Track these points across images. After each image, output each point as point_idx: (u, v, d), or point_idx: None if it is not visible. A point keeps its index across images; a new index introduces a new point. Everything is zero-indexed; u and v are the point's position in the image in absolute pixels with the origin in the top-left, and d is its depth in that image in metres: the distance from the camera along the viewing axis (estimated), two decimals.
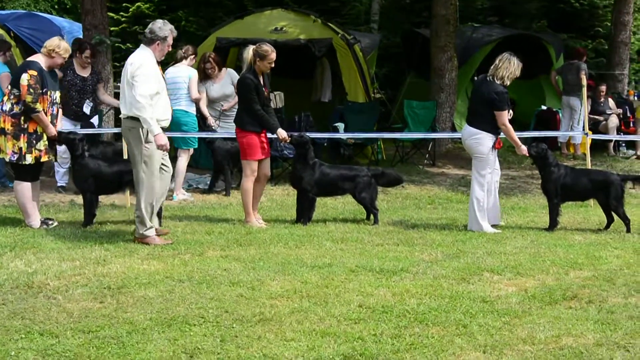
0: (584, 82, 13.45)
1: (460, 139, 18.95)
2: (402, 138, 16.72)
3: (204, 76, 13.59)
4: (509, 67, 10.71)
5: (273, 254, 9.07)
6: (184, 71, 13.10)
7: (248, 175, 10.89)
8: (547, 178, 10.82)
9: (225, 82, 13.68)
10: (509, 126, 10.59)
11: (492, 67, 10.80)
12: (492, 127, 10.65)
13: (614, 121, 18.62)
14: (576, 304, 7.23)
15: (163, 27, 9.63)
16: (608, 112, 18.78)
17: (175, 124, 12.65)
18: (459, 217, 11.68)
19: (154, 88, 9.50)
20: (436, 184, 15.09)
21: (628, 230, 10.62)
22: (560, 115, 18.86)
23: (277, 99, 15.88)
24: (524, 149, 10.65)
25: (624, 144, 18.70)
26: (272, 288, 7.57)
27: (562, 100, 18.59)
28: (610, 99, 19.21)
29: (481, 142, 10.67)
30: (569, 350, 5.97)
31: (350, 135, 15.23)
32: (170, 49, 9.85)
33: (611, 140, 18.20)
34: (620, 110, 19.33)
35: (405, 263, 8.61)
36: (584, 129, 13.60)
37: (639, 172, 16.12)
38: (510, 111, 10.70)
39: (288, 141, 10.94)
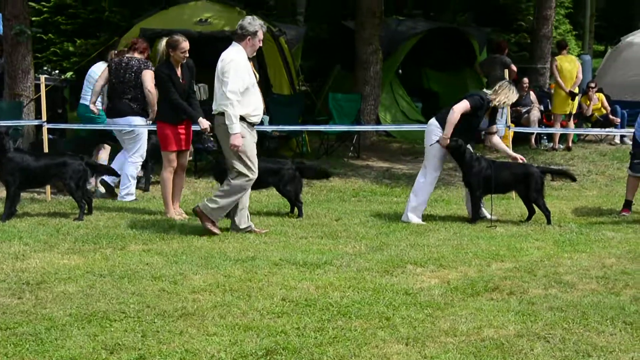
0: (507, 75, 13.59)
1: (385, 131, 19.23)
2: (327, 130, 16.74)
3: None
4: (508, 94, 10.85)
5: (196, 247, 9.00)
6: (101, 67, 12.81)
7: (166, 166, 10.88)
8: (468, 171, 10.92)
9: None
10: (456, 116, 10.66)
11: (491, 92, 10.94)
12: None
13: (535, 114, 18.87)
14: (497, 295, 7.30)
15: (253, 22, 9.61)
16: (530, 105, 19.03)
17: (86, 119, 12.59)
18: (383, 210, 11.73)
19: (245, 84, 9.46)
20: (360, 176, 15.14)
21: (548, 222, 10.77)
22: None
23: (201, 91, 15.74)
24: (446, 141, 10.72)
25: (545, 137, 18.96)
26: (194, 282, 7.50)
27: None
28: (532, 92, 19.46)
29: (429, 133, 10.90)
30: (490, 341, 6.02)
31: (275, 127, 15.19)
32: (261, 44, 9.77)
33: (533, 133, 18.43)
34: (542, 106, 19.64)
35: (329, 256, 8.60)
36: (506, 122, 13.74)
37: (559, 165, 16.40)
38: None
39: (209, 131, 10.89)
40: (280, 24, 19.61)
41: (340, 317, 6.55)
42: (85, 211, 10.71)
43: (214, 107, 9.67)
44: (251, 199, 12.00)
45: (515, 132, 15.57)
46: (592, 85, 20.36)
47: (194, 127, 11.05)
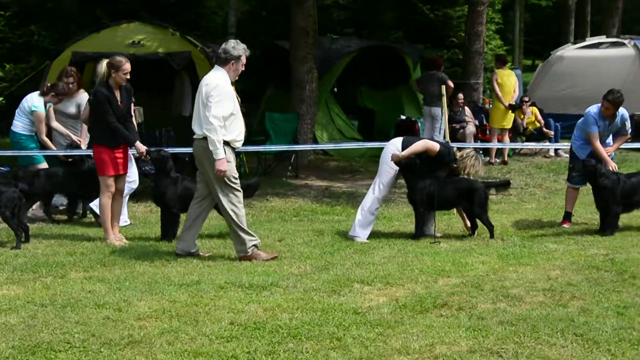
0: (444, 91, 13.67)
1: (322, 150, 19.21)
2: (264, 150, 16.65)
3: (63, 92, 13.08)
4: (474, 163, 11.06)
5: (139, 273, 8.84)
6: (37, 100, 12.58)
7: (104, 191, 10.68)
8: (413, 188, 10.92)
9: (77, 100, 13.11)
10: (419, 145, 10.80)
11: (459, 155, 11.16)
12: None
13: (471, 129, 19.04)
14: (447, 311, 7.29)
15: (237, 47, 9.54)
16: (465, 120, 19.18)
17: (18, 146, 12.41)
18: (326, 229, 11.67)
19: (229, 110, 9.37)
20: (300, 196, 15.07)
21: (492, 236, 10.81)
22: (420, 124, 19.17)
23: (136, 114, 15.55)
24: (396, 156, 10.73)
25: (481, 152, 19.09)
26: (139, 309, 7.35)
27: (423, 110, 18.94)
28: (466, 108, 19.62)
29: (389, 152, 10.98)
30: (443, 358, 5.99)
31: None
32: (244, 69, 9.67)
33: None
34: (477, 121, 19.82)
35: (274, 277, 8.51)
36: (444, 138, 13.80)
37: (497, 179, 16.49)
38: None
39: (145, 155, 10.74)
40: (214, 45, 19.51)
41: (291, 340, 6.47)
42: (23, 239, 10.46)
43: (196, 130, 9.53)
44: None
45: None
46: (526, 99, 20.58)
47: (131, 152, 10.89)
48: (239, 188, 9.66)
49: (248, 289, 8.07)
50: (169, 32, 17.07)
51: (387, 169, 10.95)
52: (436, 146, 10.86)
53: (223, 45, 9.61)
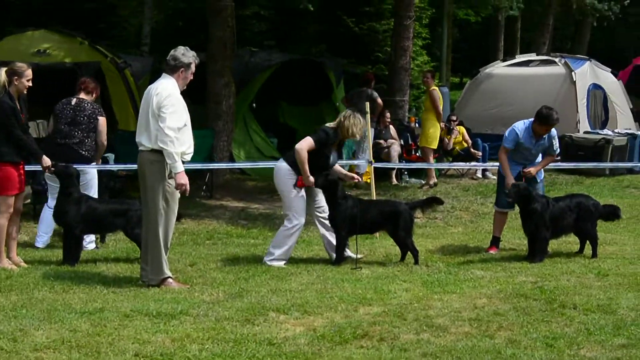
0: (367, 108, 13.67)
1: (239, 169, 19.08)
2: None
3: None
4: (354, 122, 10.89)
5: (37, 299, 8.62)
6: None
7: (3, 212, 10.34)
8: (334, 209, 10.85)
9: None
10: (304, 154, 10.58)
11: (334, 124, 11.02)
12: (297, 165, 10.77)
13: (396, 149, 19.08)
14: (367, 342, 7.23)
15: (187, 54, 9.45)
16: (390, 139, 19.22)
17: None
18: (241, 253, 11.57)
19: (183, 120, 9.26)
20: (215, 217, 14.91)
21: (416, 262, 10.79)
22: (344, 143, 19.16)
23: (40, 128, 15.30)
24: (311, 179, 10.63)
25: (406, 172, 19.17)
26: (36, 339, 7.16)
27: None
28: (391, 126, 19.66)
29: (281, 177, 10.93)
30: None
31: (121, 166, 14.81)
32: (192, 77, 9.53)
33: (393, 169, 18.59)
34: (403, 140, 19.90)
35: (184, 305, 8.37)
36: (368, 158, 13.81)
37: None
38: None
39: (53, 170, 10.52)
40: (126, 56, 19.31)
41: None
42: None
43: (143, 142, 9.39)
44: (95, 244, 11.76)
45: (375, 168, 15.66)
46: (453, 118, 20.74)
47: (31, 167, 10.63)
48: (175, 212, 9.59)
49: (155, 317, 7.93)
50: (78, 41, 16.90)
51: (292, 197, 10.83)
52: (310, 140, 10.74)
53: (172, 52, 9.51)
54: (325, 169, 10.90)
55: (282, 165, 10.93)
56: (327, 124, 11.25)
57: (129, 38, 26.45)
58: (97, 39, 19.19)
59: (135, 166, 14.18)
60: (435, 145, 18.76)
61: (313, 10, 23.32)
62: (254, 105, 21.63)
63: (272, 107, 22.84)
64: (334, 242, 10.93)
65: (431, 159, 18.65)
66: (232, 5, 17.94)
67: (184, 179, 9.28)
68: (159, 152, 9.27)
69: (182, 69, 9.42)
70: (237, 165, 18.51)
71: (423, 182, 18.67)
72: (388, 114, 19.57)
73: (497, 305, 8.47)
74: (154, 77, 21.48)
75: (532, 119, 11.44)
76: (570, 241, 11.82)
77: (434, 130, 18.58)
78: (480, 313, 8.16)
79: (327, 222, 11.02)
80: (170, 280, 9.48)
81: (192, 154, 9.64)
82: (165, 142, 9.15)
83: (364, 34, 25.45)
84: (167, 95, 9.23)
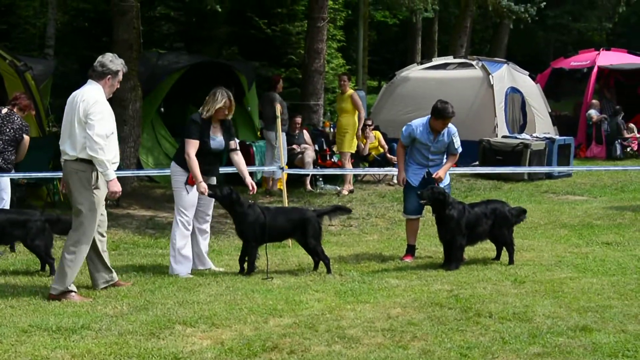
0: (278, 112, 13.66)
1: (146, 176, 18.90)
2: None
3: None
4: (212, 101, 10.68)
5: None
6: None
7: None
8: (241, 220, 10.80)
9: None
10: (192, 157, 10.50)
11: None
12: (183, 161, 10.65)
13: (310, 154, 19.08)
14: (277, 355, 7.22)
15: (115, 61, 9.45)
16: (304, 145, 19.23)
17: None
18: (147, 264, 11.46)
19: (110, 128, 9.28)
20: (121, 226, 14.75)
21: (329, 271, 10.79)
22: (255, 149, 19.16)
23: None
24: (203, 186, 10.52)
25: (321, 178, 19.19)
26: None
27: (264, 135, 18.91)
28: (305, 131, 19.67)
29: (173, 175, 10.81)
30: None
31: (21, 175, 14.56)
32: (119, 85, 9.57)
33: (308, 175, 18.60)
34: (317, 145, 19.90)
35: (86, 319, 8.27)
36: (279, 164, 13.79)
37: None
38: None
39: None
40: (26, 58, 19.00)
41: None
42: None
43: (68, 151, 9.37)
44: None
45: (289, 174, 15.67)
46: (369, 122, 20.83)
47: None
48: (95, 225, 9.54)
49: (55, 332, 7.82)
50: None
51: (185, 198, 10.80)
52: (191, 142, 10.54)
53: (99, 59, 9.52)
54: (211, 154, 10.79)
55: (172, 165, 10.92)
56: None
57: (31, 40, 26.05)
58: None
59: (36, 174, 14.17)
60: (354, 150, 18.79)
61: (223, 11, 23.24)
62: (162, 109, 21.42)
63: (181, 111, 22.66)
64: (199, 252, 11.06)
65: (349, 164, 18.65)
66: (138, 6, 17.77)
67: (117, 187, 9.35)
68: (84, 161, 9.29)
69: (109, 75, 9.46)
70: (145, 172, 18.35)
71: (339, 188, 18.72)
72: (299, 119, 19.53)
73: (412, 315, 8.52)
74: (57, 80, 21.35)
75: (427, 117, 11.58)
76: (487, 248, 11.94)
77: (353, 134, 18.58)
78: (394, 323, 8.19)
79: (202, 228, 11.08)
80: (73, 294, 9.35)
81: (118, 163, 9.64)
82: (95, 149, 9.16)
83: (276, 36, 25.42)
84: (94, 102, 9.24)
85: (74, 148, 9.32)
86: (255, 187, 11.01)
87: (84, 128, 9.21)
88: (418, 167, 11.71)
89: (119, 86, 9.70)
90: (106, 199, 9.71)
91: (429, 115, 11.56)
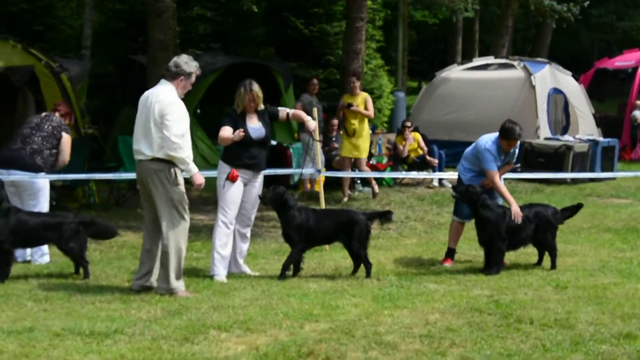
0: (315, 114, 13.63)
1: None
2: (117, 179, 16.28)
3: None
4: (239, 94, 10.89)
5: None
6: None
7: None
8: (287, 223, 10.81)
9: None
10: (221, 138, 10.75)
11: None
12: (228, 156, 10.86)
13: None
14: None
15: (190, 63, 9.74)
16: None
17: None
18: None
19: (186, 127, 9.60)
20: None
21: (368, 276, 10.75)
22: (292, 151, 19.16)
23: None
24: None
25: (359, 181, 19.12)
26: None
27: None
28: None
29: (218, 174, 11.00)
30: None
31: (57, 176, 14.64)
32: (192, 88, 9.86)
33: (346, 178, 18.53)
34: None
35: (119, 323, 8.28)
36: (316, 167, 13.77)
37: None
38: None
39: None
40: (62, 59, 19.11)
41: None
42: None
43: (144, 151, 9.62)
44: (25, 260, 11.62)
45: (327, 177, 15.65)
46: (408, 124, 20.75)
47: None
48: (187, 219, 9.85)
49: (88, 337, 7.83)
50: (10, 44, 16.69)
51: (220, 189, 11.02)
52: (222, 127, 10.83)
53: (174, 59, 9.81)
54: (253, 145, 10.85)
55: (219, 164, 11.11)
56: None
57: (67, 41, 26.16)
58: (31, 41, 18.97)
59: (71, 175, 14.23)
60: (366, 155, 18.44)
61: (259, 11, 23.22)
62: (199, 111, 21.50)
63: (218, 112, 22.69)
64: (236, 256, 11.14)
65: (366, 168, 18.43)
66: (174, 7, 17.80)
67: (201, 179, 9.75)
68: (161, 161, 9.56)
69: (182, 77, 9.71)
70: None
71: (377, 191, 18.66)
72: (336, 121, 19.41)
73: (450, 321, 8.46)
74: (93, 82, 21.45)
75: (496, 134, 11.39)
76: (529, 252, 11.84)
77: (368, 138, 18.34)
78: (432, 329, 8.14)
79: (243, 232, 11.15)
80: (180, 292, 9.72)
81: (192, 158, 9.84)
82: (174, 149, 9.46)
83: (314, 37, 25.32)
84: (169, 102, 9.51)
85: (151, 148, 9.57)
86: (312, 124, 11.33)
87: (160, 129, 9.47)
88: (477, 175, 11.57)
89: (191, 88, 9.89)
90: None
91: (495, 135, 11.38)
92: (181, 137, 9.49)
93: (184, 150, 9.52)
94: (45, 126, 12.08)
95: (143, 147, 9.65)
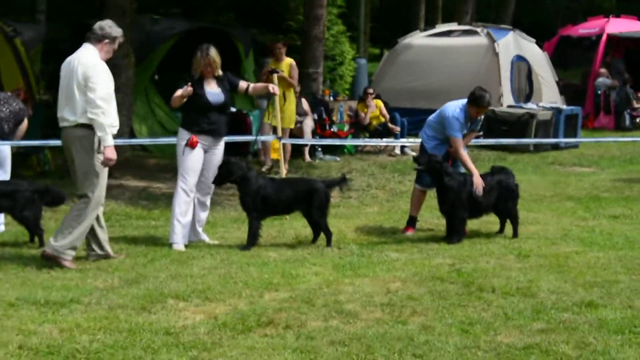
0: (275, 80, 13.56)
1: (140, 145, 18.83)
2: None
3: None
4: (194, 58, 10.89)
5: None
6: None
7: None
8: (245, 191, 10.76)
9: None
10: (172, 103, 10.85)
11: None
12: (187, 122, 10.85)
13: (309, 124, 18.98)
14: (272, 330, 7.19)
15: (114, 27, 9.57)
16: (302, 114, 19.10)
17: None
18: (140, 235, 11.44)
19: (111, 90, 9.45)
20: (113, 197, 14.64)
21: (328, 244, 10.75)
22: (252, 117, 19.09)
23: None
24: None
25: (319, 149, 19.09)
26: None
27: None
28: (304, 100, 19.54)
29: (177, 140, 10.91)
30: None
31: (11, 143, 14.52)
32: (113, 54, 9.66)
33: (306, 145, 18.51)
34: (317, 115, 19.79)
35: (75, 293, 8.26)
36: (275, 133, 13.71)
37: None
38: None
39: None
40: (16, 24, 18.91)
41: None
42: None
43: (67, 116, 9.43)
44: None
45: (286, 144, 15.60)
46: (370, 91, 20.76)
47: None
48: (104, 190, 9.72)
49: (43, 306, 7.81)
50: None
51: (179, 156, 10.92)
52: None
53: (99, 22, 9.65)
54: (212, 110, 10.79)
55: (179, 130, 11.01)
56: None
57: (21, 4, 25.91)
58: None
59: (25, 142, 14.11)
60: (293, 126, 17.94)
61: None
62: (157, 77, 21.34)
63: (176, 79, 22.54)
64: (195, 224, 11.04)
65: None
66: None
67: (113, 154, 9.41)
68: (86, 127, 9.36)
69: (107, 40, 9.55)
70: (138, 141, 18.27)
71: (338, 159, 18.67)
72: (298, 87, 19.28)
73: (412, 289, 8.50)
74: (47, 46, 21.23)
75: (463, 102, 11.38)
76: (490, 220, 11.89)
77: (294, 108, 17.79)
78: (394, 297, 8.17)
79: (202, 201, 11.11)
80: (66, 261, 9.50)
81: (117, 128, 9.68)
82: (97, 113, 9.24)
83: (274, 2, 25.28)
84: (93, 65, 9.34)
85: (74, 113, 9.37)
86: (277, 90, 11.37)
87: (84, 92, 9.28)
88: (438, 142, 11.57)
89: (111, 55, 9.70)
90: None
91: (462, 102, 11.37)
92: (105, 100, 9.30)
93: (106, 117, 9.29)
94: (4, 108, 11.99)
95: (66, 114, 9.45)
